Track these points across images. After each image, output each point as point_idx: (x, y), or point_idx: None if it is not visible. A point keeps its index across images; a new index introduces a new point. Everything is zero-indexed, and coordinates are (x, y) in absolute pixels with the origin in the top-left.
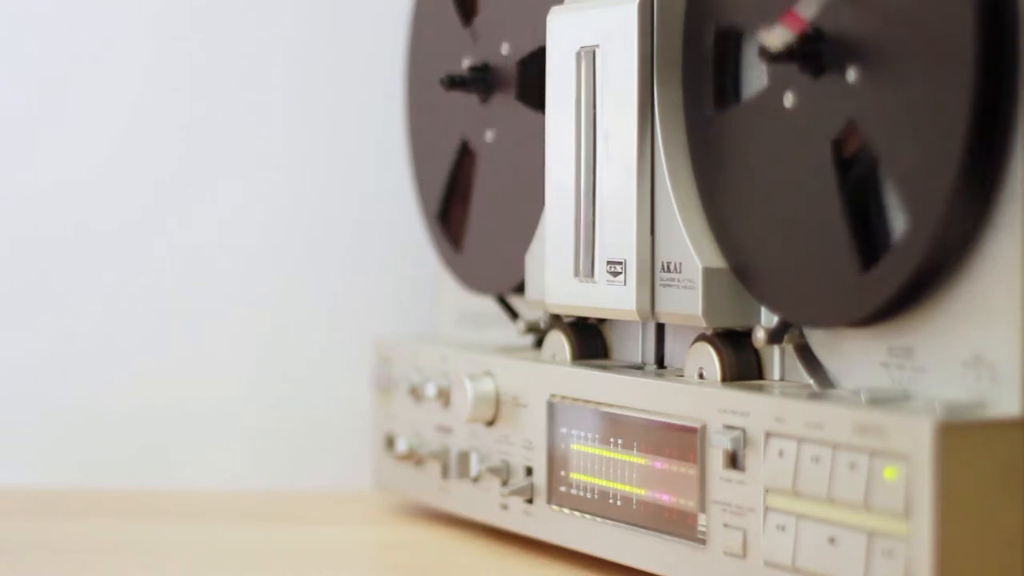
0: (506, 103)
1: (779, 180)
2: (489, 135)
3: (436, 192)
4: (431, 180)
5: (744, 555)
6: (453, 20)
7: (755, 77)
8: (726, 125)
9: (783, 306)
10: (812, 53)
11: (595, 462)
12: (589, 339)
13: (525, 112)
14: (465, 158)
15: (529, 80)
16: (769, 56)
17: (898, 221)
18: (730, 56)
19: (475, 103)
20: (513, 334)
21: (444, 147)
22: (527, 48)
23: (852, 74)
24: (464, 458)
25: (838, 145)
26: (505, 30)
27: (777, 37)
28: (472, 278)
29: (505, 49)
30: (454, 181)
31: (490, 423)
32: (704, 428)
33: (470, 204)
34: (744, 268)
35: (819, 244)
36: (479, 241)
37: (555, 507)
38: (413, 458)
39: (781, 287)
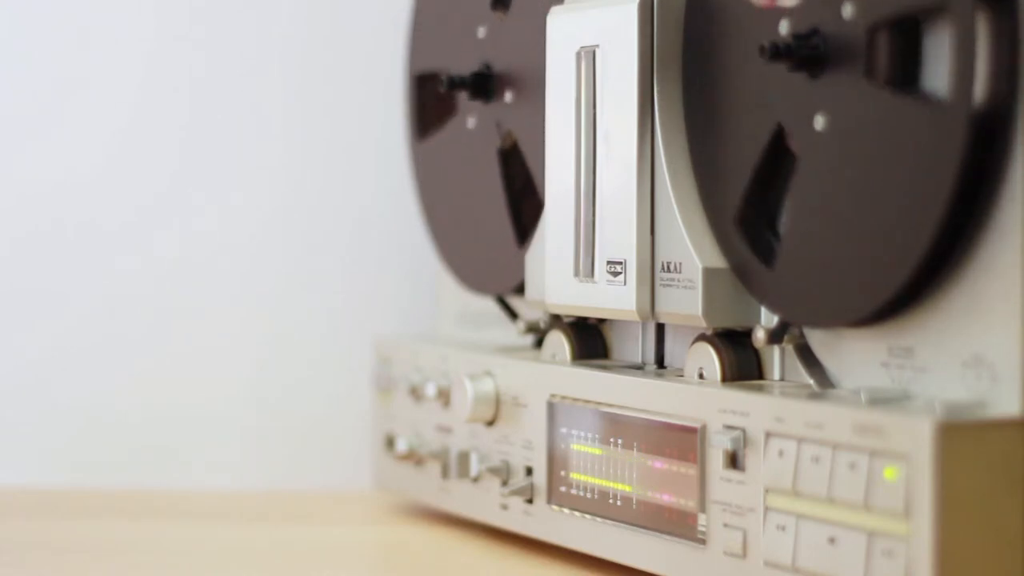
0: (511, 106)
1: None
2: (471, 122)
3: (422, 66)
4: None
5: (744, 555)
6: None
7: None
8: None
9: (783, 306)
10: (811, 50)
11: (595, 462)
12: (589, 339)
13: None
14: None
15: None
16: (768, 54)
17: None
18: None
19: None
20: (513, 334)
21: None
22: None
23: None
24: (464, 458)
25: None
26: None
27: None
28: (472, 278)
29: (509, 97)
30: (436, 94)
31: (490, 423)
32: (704, 428)
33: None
34: (744, 268)
35: (818, 243)
36: (479, 241)
37: (555, 507)
38: (413, 458)
39: (781, 287)
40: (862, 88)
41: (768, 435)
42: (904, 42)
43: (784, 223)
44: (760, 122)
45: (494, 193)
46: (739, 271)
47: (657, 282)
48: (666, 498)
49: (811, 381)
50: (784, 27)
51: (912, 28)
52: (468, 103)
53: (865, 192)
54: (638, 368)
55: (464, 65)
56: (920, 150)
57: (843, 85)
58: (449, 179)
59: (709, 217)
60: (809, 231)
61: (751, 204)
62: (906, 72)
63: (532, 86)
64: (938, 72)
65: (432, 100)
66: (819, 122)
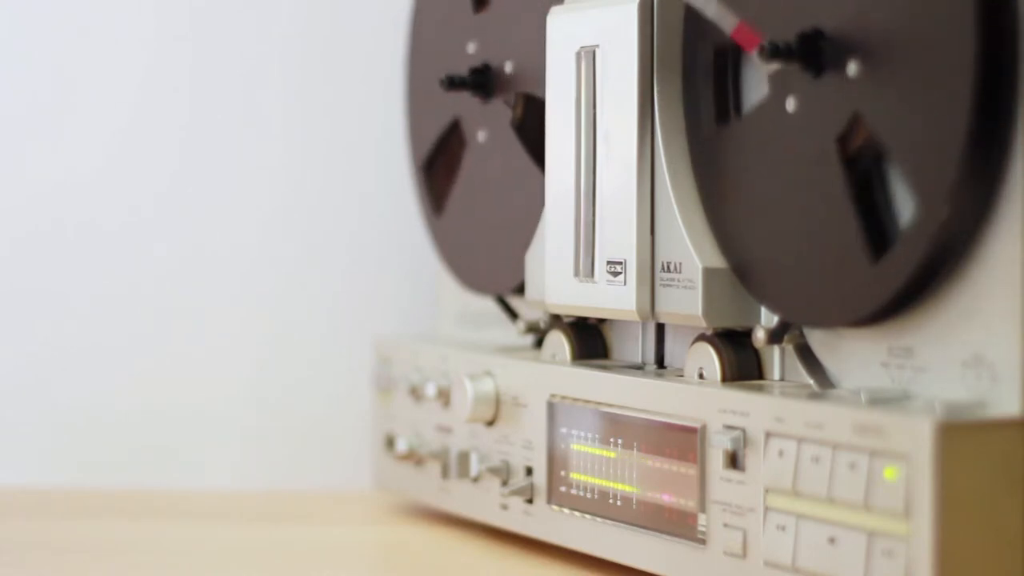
0: (504, 109)
1: (781, 180)
2: (482, 135)
3: (425, 148)
4: (423, 141)
5: (744, 555)
6: (460, 9)
7: (755, 87)
8: (728, 134)
9: (783, 306)
10: (812, 52)
11: (595, 462)
12: (589, 339)
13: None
14: (456, 139)
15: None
16: (768, 55)
17: (902, 217)
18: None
19: (475, 100)
20: (513, 334)
21: (438, 126)
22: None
23: (853, 68)
24: (464, 458)
25: (843, 142)
26: (511, 40)
27: None
28: (472, 278)
29: (509, 67)
30: (443, 153)
31: (490, 423)
32: (704, 428)
33: (464, 198)
34: (744, 268)
35: (821, 243)
36: (479, 241)
37: (555, 507)
38: (413, 458)
39: (781, 287)
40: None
41: (768, 435)
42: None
43: (786, 223)
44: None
45: (515, 172)
46: (739, 271)
47: (657, 282)
48: (666, 498)
49: (811, 381)
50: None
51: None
52: (472, 125)
53: (870, 189)
54: (638, 368)
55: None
56: (925, 136)
57: (842, 86)
58: (453, 179)
59: (709, 217)
60: (809, 230)
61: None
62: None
63: (531, 61)
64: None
65: (441, 174)
66: (791, 103)
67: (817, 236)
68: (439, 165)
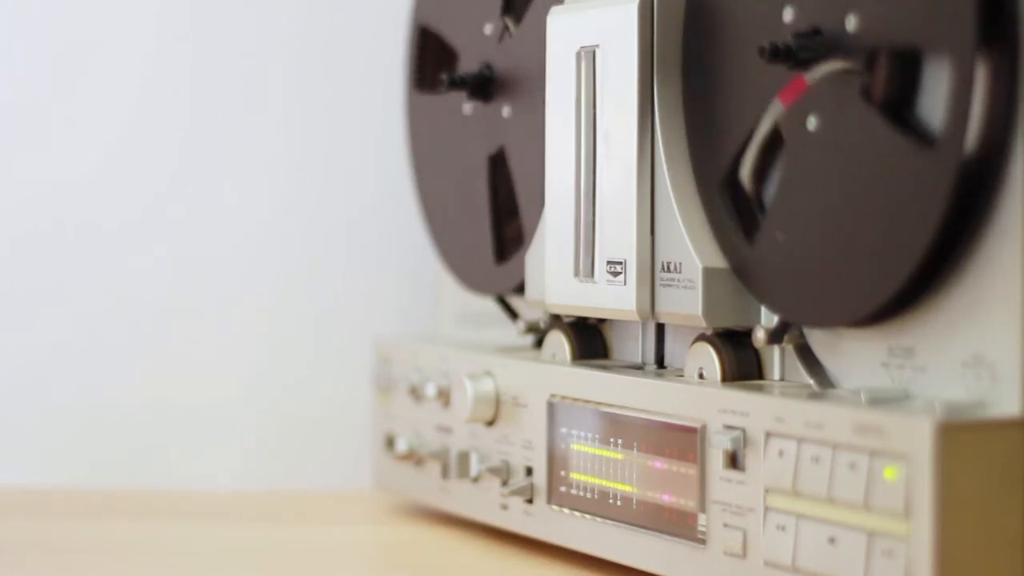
0: (508, 120)
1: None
2: (467, 108)
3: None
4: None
5: (744, 555)
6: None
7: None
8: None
9: (783, 306)
10: (811, 51)
11: (595, 462)
12: (589, 339)
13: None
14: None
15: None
16: (768, 55)
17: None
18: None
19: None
20: (513, 334)
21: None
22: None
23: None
24: (464, 458)
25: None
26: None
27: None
28: (472, 278)
29: (506, 113)
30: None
31: (490, 423)
32: (704, 428)
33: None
34: (744, 268)
35: (820, 243)
36: (479, 241)
37: (555, 507)
38: (413, 458)
39: (781, 287)
40: (857, 104)
41: (768, 435)
42: (903, 70)
43: (775, 214)
44: (756, 114)
45: (479, 194)
46: (739, 271)
47: (657, 282)
48: (666, 498)
49: (811, 381)
50: (787, 16)
51: (913, 58)
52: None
53: (864, 193)
54: (638, 368)
55: (466, 60)
56: (910, 178)
57: (839, 94)
58: (447, 177)
59: (709, 217)
60: (807, 228)
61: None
62: (902, 99)
63: (531, 98)
64: (935, 102)
65: (433, 55)
66: (812, 123)
67: (817, 236)
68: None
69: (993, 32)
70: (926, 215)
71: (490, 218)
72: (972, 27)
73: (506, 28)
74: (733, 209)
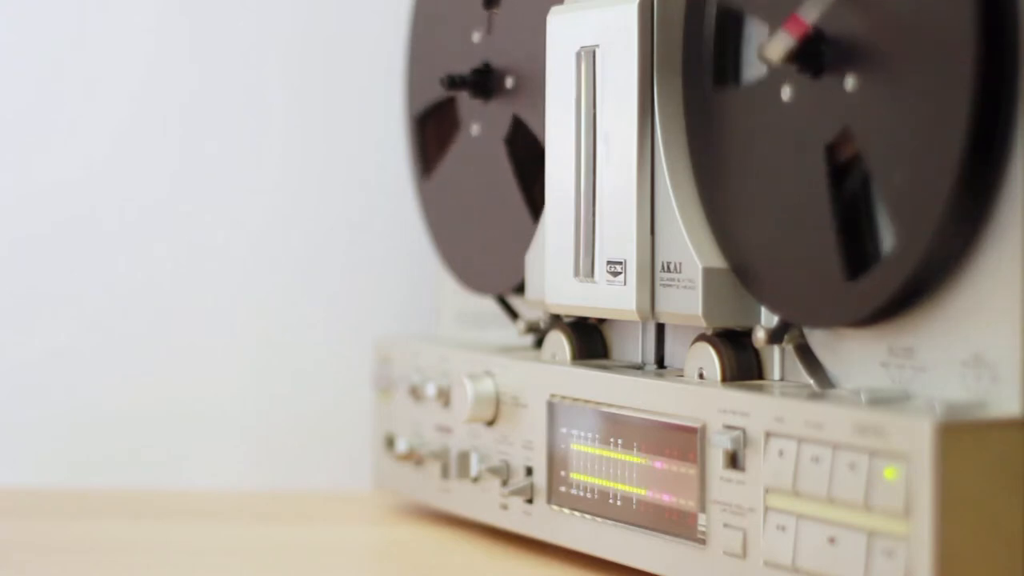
0: (502, 109)
1: (776, 178)
2: (475, 128)
3: (421, 106)
4: (421, 97)
5: (744, 555)
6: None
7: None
8: (724, 110)
9: (783, 306)
10: (813, 53)
11: (595, 462)
12: (589, 339)
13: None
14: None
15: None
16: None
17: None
18: (730, 38)
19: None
20: (513, 334)
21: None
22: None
23: (850, 82)
24: (464, 458)
25: (831, 149)
26: (518, 44)
27: (777, 47)
28: (472, 278)
29: (510, 83)
30: (439, 121)
31: (490, 423)
32: (704, 428)
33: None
34: (744, 268)
35: (819, 244)
36: (479, 241)
37: (555, 507)
38: (413, 458)
39: (781, 287)
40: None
41: (768, 435)
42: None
43: (784, 221)
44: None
45: (500, 185)
46: (739, 271)
47: (657, 282)
48: (666, 498)
49: (811, 381)
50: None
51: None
52: (469, 113)
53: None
54: (638, 368)
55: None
56: (919, 151)
57: (841, 90)
58: (451, 181)
59: (709, 217)
60: (811, 229)
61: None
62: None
63: (532, 74)
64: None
65: (434, 134)
66: (786, 93)
67: (816, 236)
68: (432, 125)
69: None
70: (928, 212)
71: (520, 191)
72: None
73: (490, 21)
74: (734, 209)
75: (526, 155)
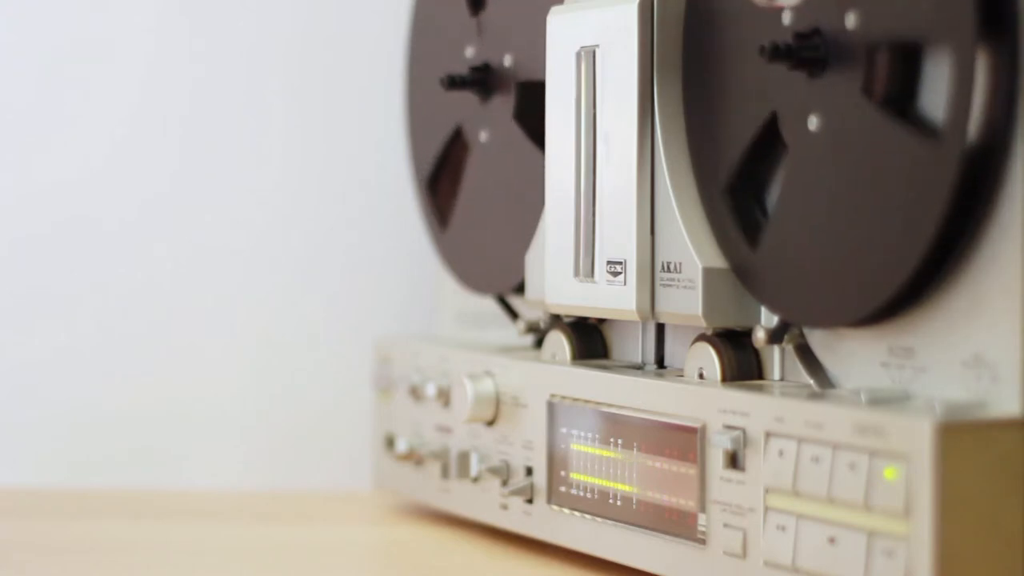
0: (505, 106)
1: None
2: (484, 135)
3: (429, 163)
4: (426, 156)
5: (744, 555)
6: (458, 10)
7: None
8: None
9: (783, 306)
10: (812, 51)
11: (595, 462)
12: (589, 339)
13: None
14: (459, 148)
15: (529, 106)
16: (768, 55)
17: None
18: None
19: (475, 100)
20: (513, 334)
21: (440, 137)
22: (528, 68)
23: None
24: (464, 458)
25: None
26: (510, 37)
27: None
28: (472, 278)
29: (508, 61)
30: (447, 165)
31: (490, 423)
32: (704, 428)
33: (465, 200)
34: (744, 268)
35: (820, 244)
36: (479, 241)
37: (555, 507)
38: (413, 458)
39: (781, 287)
40: (858, 101)
41: (768, 435)
42: (904, 64)
43: (779, 216)
44: (757, 117)
45: (514, 173)
46: (739, 271)
47: (657, 282)
48: (666, 498)
49: (811, 381)
50: (786, 18)
51: (913, 52)
52: (474, 129)
53: (863, 193)
54: (638, 368)
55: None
56: (912, 172)
57: (840, 92)
58: (458, 189)
59: (709, 217)
60: (809, 230)
61: (749, 201)
62: (903, 94)
63: (530, 51)
64: (936, 96)
65: (444, 189)
66: (813, 122)
67: (818, 236)
68: (443, 179)
69: (993, 24)
70: (928, 210)
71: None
72: (972, 19)
73: (479, 27)
74: (735, 212)
75: (541, 126)
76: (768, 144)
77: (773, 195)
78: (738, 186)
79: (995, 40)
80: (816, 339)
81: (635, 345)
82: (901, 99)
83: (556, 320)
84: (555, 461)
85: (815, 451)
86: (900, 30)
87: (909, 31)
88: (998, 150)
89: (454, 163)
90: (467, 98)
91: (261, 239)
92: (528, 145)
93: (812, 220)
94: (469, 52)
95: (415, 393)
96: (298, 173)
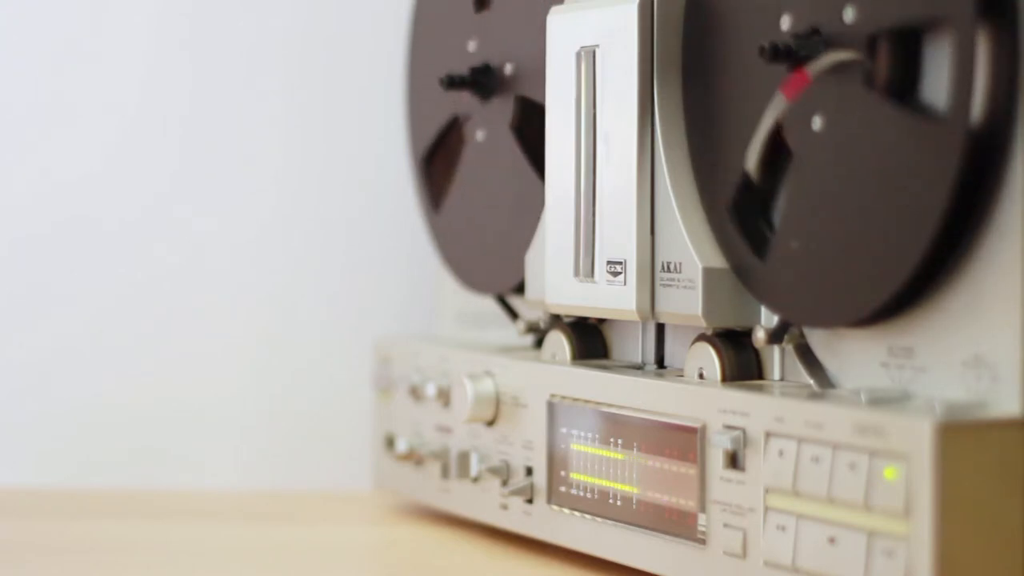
0: (503, 109)
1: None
2: (480, 134)
3: (426, 142)
4: (423, 136)
5: (744, 555)
6: (462, 5)
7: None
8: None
9: (783, 306)
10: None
11: (595, 462)
12: (589, 339)
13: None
14: (456, 135)
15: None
16: (768, 55)
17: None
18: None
19: (474, 98)
20: (513, 334)
21: (438, 120)
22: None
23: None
24: (464, 458)
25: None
26: (512, 41)
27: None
28: (472, 278)
29: (508, 69)
30: (443, 148)
31: (490, 423)
32: (704, 428)
33: (459, 189)
34: (744, 268)
35: (818, 243)
36: (479, 241)
37: (555, 507)
38: (413, 458)
39: (781, 287)
40: (860, 94)
41: (768, 435)
42: (904, 52)
43: (783, 221)
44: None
45: (508, 176)
46: (739, 271)
47: (657, 282)
48: (666, 498)
49: (811, 381)
50: (785, 22)
51: (913, 39)
52: (472, 126)
53: (865, 192)
54: (638, 368)
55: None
56: (917, 158)
57: (842, 89)
58: (452, 176)
59: (709, 217)
60: (809, 230)
61: (750, 201)
62: (905, 82)
63: (532, 59)
64: (938, 83)
65: (440, 171)
66: (817, 123)
67: (819, 237)
68: (438, 161)
69: (993, 7)
70: (934, 198)
71: (534, 172)
72: (972, 2)
73: (482, 24)
74: (741, 226)
75: (536, 140)
76: (771, 153)
77: (777, 198)
78: (742, 201)
79: (995, 24)
80: (816, 339)
81: (635, 345)
82: (903, 88)
83: (556, 320)
84: (555, 461)
85: (815, 451)
86: (899, 17)
87: (908, 18)
88: (1000, 134)
89: (450, 147)
90: (466, 95)
91: (261, 239)
92: (523, 161)
93: (814, 222)
94: (471, 46)
95: (415, 393)
96: (298, 173)
